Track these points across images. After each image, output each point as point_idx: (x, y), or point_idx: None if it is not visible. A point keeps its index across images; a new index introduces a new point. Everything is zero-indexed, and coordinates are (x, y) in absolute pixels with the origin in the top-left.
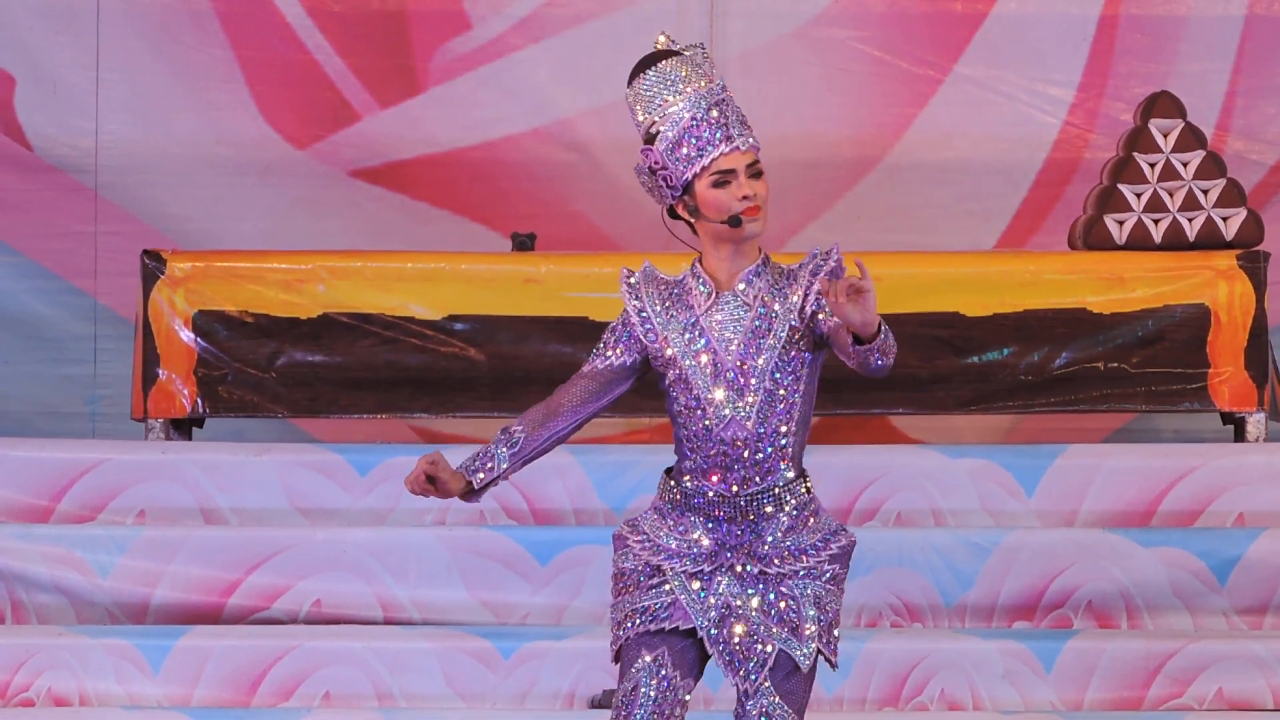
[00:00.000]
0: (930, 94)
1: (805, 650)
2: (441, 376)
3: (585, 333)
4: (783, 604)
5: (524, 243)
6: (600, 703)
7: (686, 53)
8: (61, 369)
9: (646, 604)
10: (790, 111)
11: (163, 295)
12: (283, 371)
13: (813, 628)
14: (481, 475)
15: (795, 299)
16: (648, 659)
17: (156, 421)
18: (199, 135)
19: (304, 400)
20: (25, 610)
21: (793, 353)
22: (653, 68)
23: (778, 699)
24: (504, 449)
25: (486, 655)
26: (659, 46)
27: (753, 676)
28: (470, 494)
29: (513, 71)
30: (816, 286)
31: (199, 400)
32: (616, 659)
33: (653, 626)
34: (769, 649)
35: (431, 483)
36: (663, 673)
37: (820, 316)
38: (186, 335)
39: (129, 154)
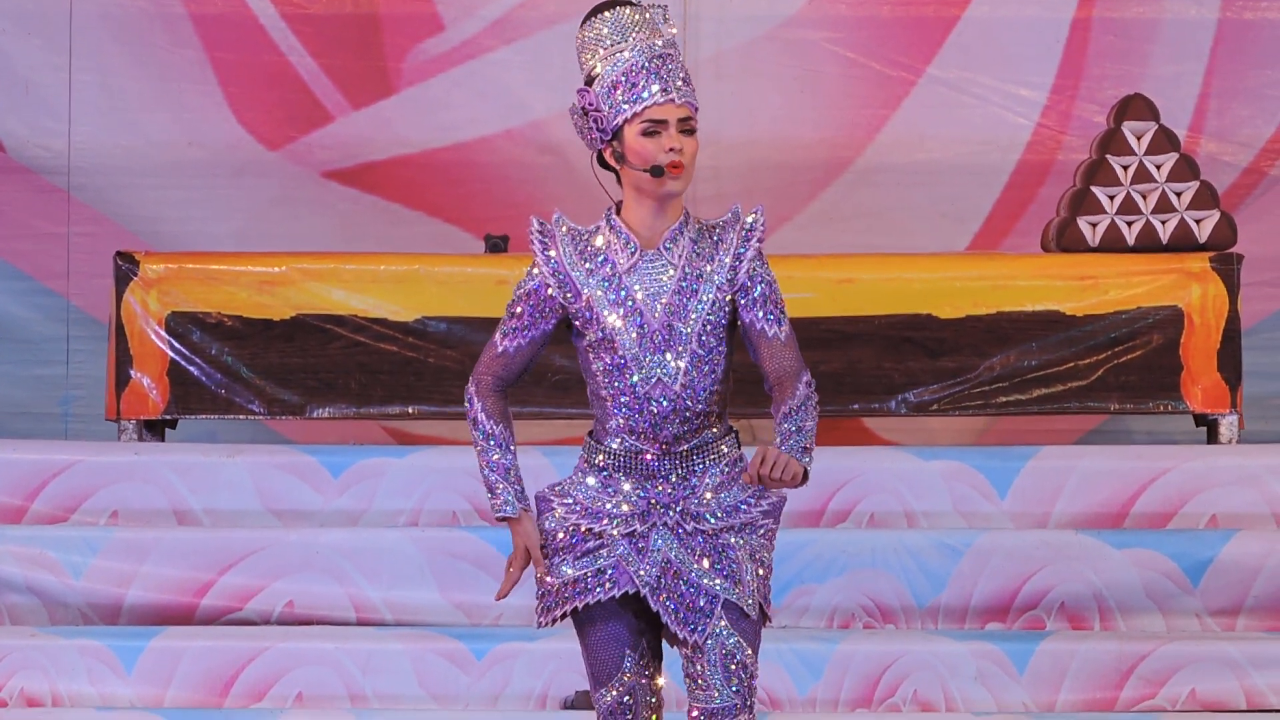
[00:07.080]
0: (903, 96)
1: (749, 599)
2: (414, 378)
3: (557, 335)
4: (723, 557)
5: (497, 244)
6: (573, 704)
7: (645, 5)
8: (34, 370)
9: (592, 568)
10: (763, 113)
11: (135, 297)
12: (256, 373)
13: (753, 581)
14: (523, 502)
15: (721, 261)
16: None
17: (129, 422)
18: (172, 137)
19: (277, 402)
20: None
21: (719, 314)
22: (607, 13)
23: (738, 638)
24: (513, 461)
25: (459, 656)
26: None
27: (701, 628)
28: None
29: (485, 73)
30: (750, 255)
31: (172, 401)
32: (551, 622)
33: (603, 596)
34: (711, 600)
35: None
36: (643, 662)
37: (744, 304)
38: (159, 337)
39: (102, 155)
